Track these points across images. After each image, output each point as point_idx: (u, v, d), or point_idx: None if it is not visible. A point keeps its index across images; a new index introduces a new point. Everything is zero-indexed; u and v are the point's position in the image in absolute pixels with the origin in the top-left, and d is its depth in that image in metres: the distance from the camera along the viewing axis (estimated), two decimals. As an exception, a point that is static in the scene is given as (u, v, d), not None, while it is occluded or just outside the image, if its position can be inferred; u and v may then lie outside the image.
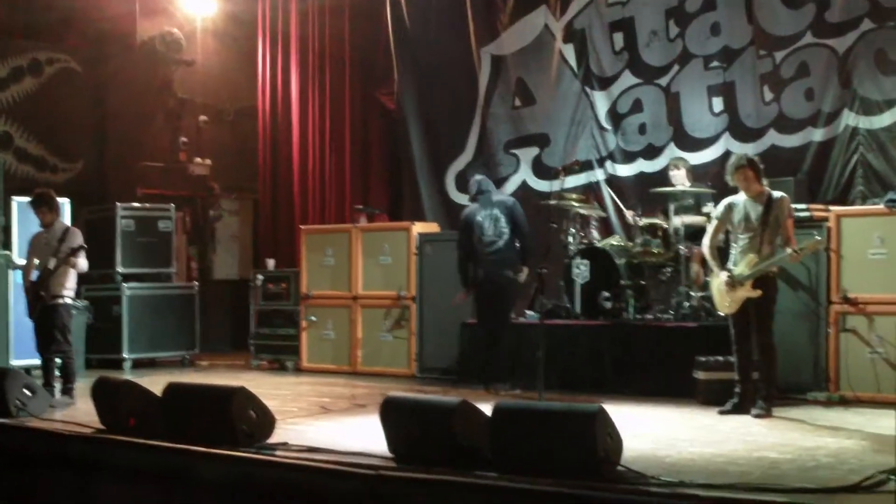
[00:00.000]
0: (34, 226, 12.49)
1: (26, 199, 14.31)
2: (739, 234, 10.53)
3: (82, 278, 12.69)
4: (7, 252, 14.77)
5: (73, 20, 18.38)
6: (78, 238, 12.04)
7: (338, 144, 18.26)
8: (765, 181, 10.57)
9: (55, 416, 10.74)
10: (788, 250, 10.18)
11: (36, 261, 12.16)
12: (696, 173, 13.26)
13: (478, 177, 13.48)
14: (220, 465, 8.35)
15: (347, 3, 18.18)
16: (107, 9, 18.54)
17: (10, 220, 15.08)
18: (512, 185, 16.15)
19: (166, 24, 19.26)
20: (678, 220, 12.74)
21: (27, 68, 18.58)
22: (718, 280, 10.58)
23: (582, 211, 13.62)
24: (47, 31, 18.53)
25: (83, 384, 11.64)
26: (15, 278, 14.39)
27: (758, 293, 10.28)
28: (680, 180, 12.99)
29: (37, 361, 12.55)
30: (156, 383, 9.76)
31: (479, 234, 12.74)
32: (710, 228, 10.89)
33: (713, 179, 13.07)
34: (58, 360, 12.10)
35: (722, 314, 10.96)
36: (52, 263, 11.83)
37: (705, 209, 12.59)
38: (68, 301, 12.10)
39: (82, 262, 12.03)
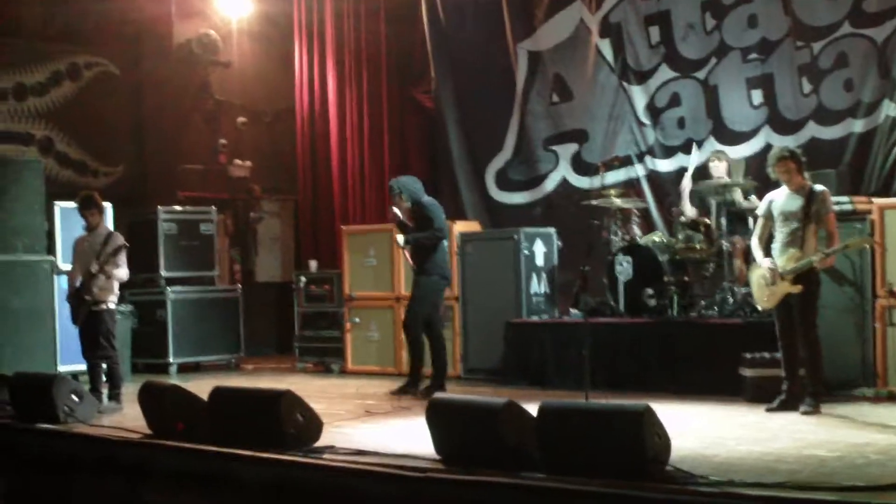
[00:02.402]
0: (77, 230, 12.55)
1: (69, 203, 14.42)
2: (780, 229, 10.48)
3: (126, 283, 12.72)
4: (51, 257, 14.84)
5: (109, 23, 18.45)
6: (120, 240, 12.09)
7: (376, 144, 18.28)
8: (806, 174, 10.53)
9: (103, 421, 10.78)
10: (817, 255, 10.14)
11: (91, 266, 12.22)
12: (734, 168, 13.22)
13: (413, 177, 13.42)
14: (267, 468, 8.38)
15: (383, 1, 18.19)
16: (143, 11, 18.60)
17: (53, 225, 15.11)
18: (552, 181, 16.16)
19: (202, 26, 19.30)
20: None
21: (66, 72, 18.66)
22: (758, 273, 10.55)
23: (624, 205, 13.59)
24: (85, 35, 18.60)
25: (130, 389, 11.68)
26: (60, 284, 14.48)
27: (798, 289, 10.22)
28: (720, 172, 12.95)
29: (83, 367, 12.61)
30: (202, 387, 9.80)
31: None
32: (756, 226, 10.85)
33: (754, 173, 13.02)
34: (104, 366, 12.17)
35: (760, 308, 10.94)
36: (94, 267, 11.89)
37: (747, 203, 12.54)
38: (112, 306, 12.16)
39: (122, 272, 12.08)
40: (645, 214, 14.61)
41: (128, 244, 12.09)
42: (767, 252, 10.61)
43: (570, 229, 14.61)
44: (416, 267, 12.66)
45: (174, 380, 13.68)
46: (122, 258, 12.03)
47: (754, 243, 10.76)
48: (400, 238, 12.80)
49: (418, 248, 12.63)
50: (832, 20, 13.55)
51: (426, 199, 12.81)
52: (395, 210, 12.83)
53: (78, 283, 12.10)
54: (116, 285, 12.18)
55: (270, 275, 19.85)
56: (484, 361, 14.09)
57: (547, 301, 14.28)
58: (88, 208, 12.30)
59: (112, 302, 12.14)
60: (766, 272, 10.41)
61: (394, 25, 18.24)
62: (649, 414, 7.13)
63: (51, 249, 14.97)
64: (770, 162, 10.57)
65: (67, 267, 13.04)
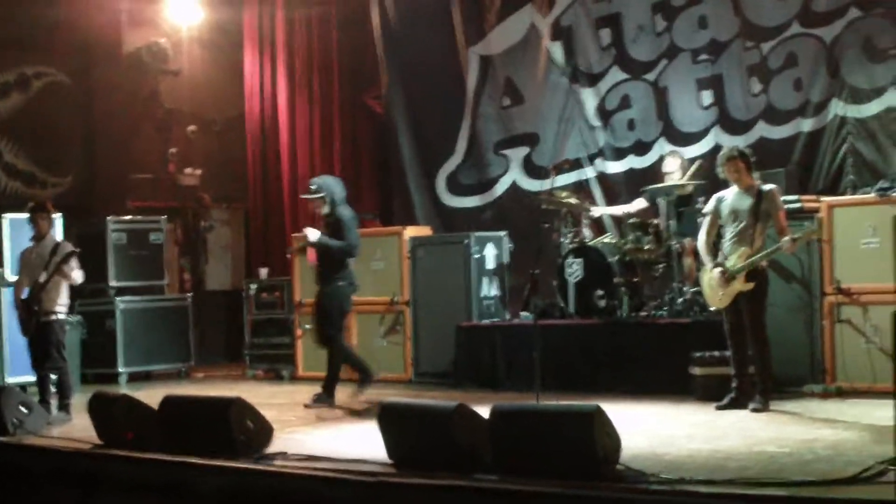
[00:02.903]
0: (26, 242, 12.44)
1: (17, 215, 14.32)
2: (730, 228, 10.54)
3: (75, 293, 12.61)
4: (-1, 269, 14.74)
5: (58, 32, 18.31)
6: (69, 247, 11.99)
7: (327, 151, 18.22)
8: (755, 174, 10.59)
9: (53, 432, 10.71)
10: (785, 240, 10.18)
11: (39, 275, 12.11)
12: (686, 168, 13.27)
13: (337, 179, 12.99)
14: (219, 476, 8.36)
15: (334, 8, 18.15)
16: (92, 20, 18.47)
17: (1, 237, 15.00)
18: (502, 185, 16.18)
19: (152, 34, 19.19)
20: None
21: (14, 83, 18.51)
22: (709, 275, 10.60)
23: (574, 202, 13.61)
24: (33, 45, 18.46)
25: (79, 399, 11.60)
26: (7, 296, 14.36)
27: (750, 286, 10.29)
28: (672, 168, 13.03)
29: (32, 378, 12.49)
30: (152, 396, 9.77)
31: None
32: (703, 225, 10.89)
33: (703, 174, 13.09)
34: (53, 377, 12.06)
35: (713, 309, 10.99)
36: (42, 277, 11.78)
37: (697, 205, 12.57)
38: (62, 317, 12.05)
39: (76, 274, 11.96)
40: (594, 217, 14.63)
41: (78, 249, 11.95)
42: (715, 253, 10.66)
43: (521, 232, 14.63)
44: (320, 271, 12.30)
45: (124, 389, 13.59)
46: (74, 262, 11.91)
47: (701, 242, 10.80)
48: (312, 234, 12.30)
49: (324, 255, 12.28)
50: (781, 20, 13.63)
51: (346, 210, 12.35)
52: (308, 232, 12.37)
53: (24, 294, 11.99)
54: (67, 295, 12.07)
55: (220, 283, 19.77)
56: (435, 365, 14.09)
57: (498, 304, 14.29)
58: (39, 213, 12.17)
59: (62, 312, 12.03)
60: (717, 275, 10.45)
61: (345, 32, 18.20)
62: (600, 414, 7.15)
63: (-1, 261, 14.86)
64: (719, 162, 10.66)
65: (14, 279, 12.90)
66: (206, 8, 19.40)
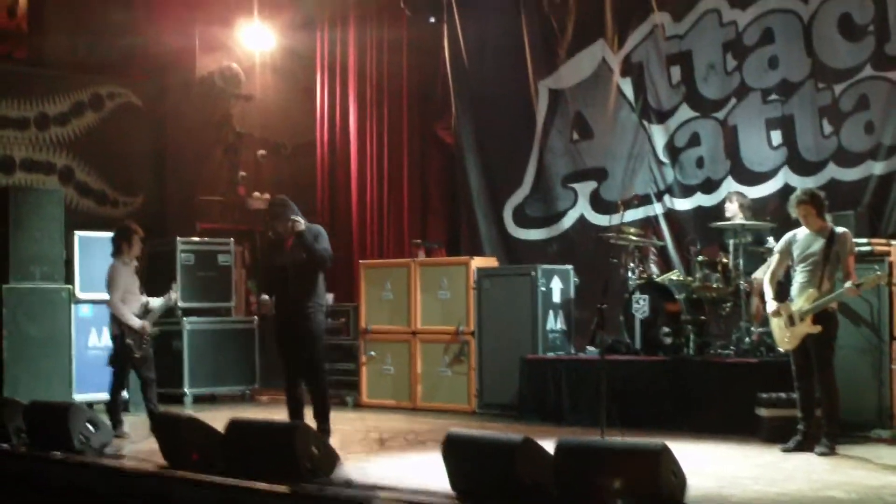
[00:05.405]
0: (97, 260, 12.61)
1: (88, 233, 14.51)
2: (799, 269, 10.47)
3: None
4: (69, 286, 14.87)
5: (133, 55, 18.61)
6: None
7: (396, 178, 18.30)
8: (828, 217, 10.53)
9: (119, 451, 10.82)
10: (848, 284, 10.11)
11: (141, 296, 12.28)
12: (754, 208, 13.21)
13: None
14: (283, 501, 8.35)
15: (405, 37, 18.24)
16: (167, 44, 18.75)
17: (72, 254, 15.14)
18: (569, 219, 16.14)
19: (225, 59, 19.42)
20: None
21: (88, 102, 18.77)
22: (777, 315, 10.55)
23: (642, 242, 13.62)
24: (108, 66, 18.75)
25: (145, 420, 11.73)
26: (76, 312, 14.53)
27: (818, 329, 10.21)
28: (732, 212, 12.97)
29: (98, 396, 12.61)
30: (217, 419, 9.81)
31: None
32: (771, 262, 10.85)
33: (772, 213, 13.04)
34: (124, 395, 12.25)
35: (782, 350, 10.92)
36: (146, 297, 12.00)
37: (766, 245, 12.51)
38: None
39: None
40: (662, 253, 14.63)
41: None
42: (779, 293, 10.60)
43: (587, 266, 14.62)
44: (298, 290, 11.12)
45: (189, 410, 13.70)
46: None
47: (767, 280, 10.76)
48: (302, 221, 11.27)
49: (305, 271, 11.21)
50: (854, 63, 13.53)
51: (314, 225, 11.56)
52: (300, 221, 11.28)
53: (138, 312, 12.14)
54: None
55: (286, 307, 19.83)
56: (499, 397, 14.09)
57: (563, 337, 14.28)
58: (137, 233, 12.38)
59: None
60: (785, 314, 10.40)
61: (416, 60, 18.29)
62: (666, 452, 7.12)
63: (69, 278, 14.99)
64: (791, 202, 10.58)
65: (86, 295, 12.96)
66: (279, 34, 19.63)
